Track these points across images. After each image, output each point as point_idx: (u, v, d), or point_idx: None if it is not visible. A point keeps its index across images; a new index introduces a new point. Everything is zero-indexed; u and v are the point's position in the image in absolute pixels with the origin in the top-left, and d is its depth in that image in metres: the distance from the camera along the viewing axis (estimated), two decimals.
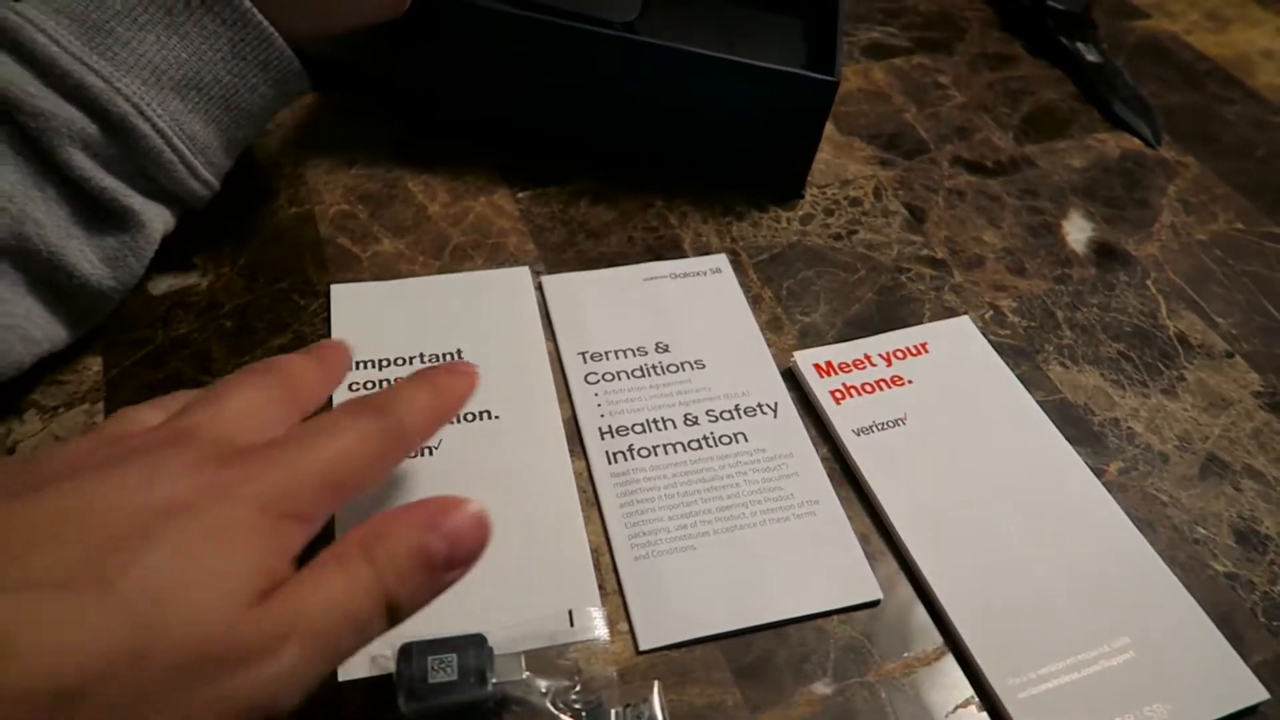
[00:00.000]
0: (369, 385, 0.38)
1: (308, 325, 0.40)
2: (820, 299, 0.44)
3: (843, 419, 0.38)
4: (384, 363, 0.38)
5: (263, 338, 0.39)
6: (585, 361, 0.40)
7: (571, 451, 0.36)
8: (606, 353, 0.40)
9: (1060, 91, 0.59)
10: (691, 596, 0.33)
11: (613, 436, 0.37)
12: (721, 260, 0.44)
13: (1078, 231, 0.49)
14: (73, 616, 0.19)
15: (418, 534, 0.24)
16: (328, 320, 0.40)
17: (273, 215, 0.44)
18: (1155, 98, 0.59)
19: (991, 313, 0.44)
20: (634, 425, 0.37)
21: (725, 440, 0.37)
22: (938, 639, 0.33)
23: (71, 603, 0.19)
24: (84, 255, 0.34)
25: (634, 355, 0.40)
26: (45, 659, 0.19)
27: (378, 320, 0.40)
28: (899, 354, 0.41)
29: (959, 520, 0.35)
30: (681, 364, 0.40)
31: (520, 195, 0.47)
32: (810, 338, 0.42)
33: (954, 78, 0.59)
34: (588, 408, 0.38)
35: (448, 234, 0.45)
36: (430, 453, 0.36)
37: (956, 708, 0.31)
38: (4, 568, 0.19)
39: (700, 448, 0.37)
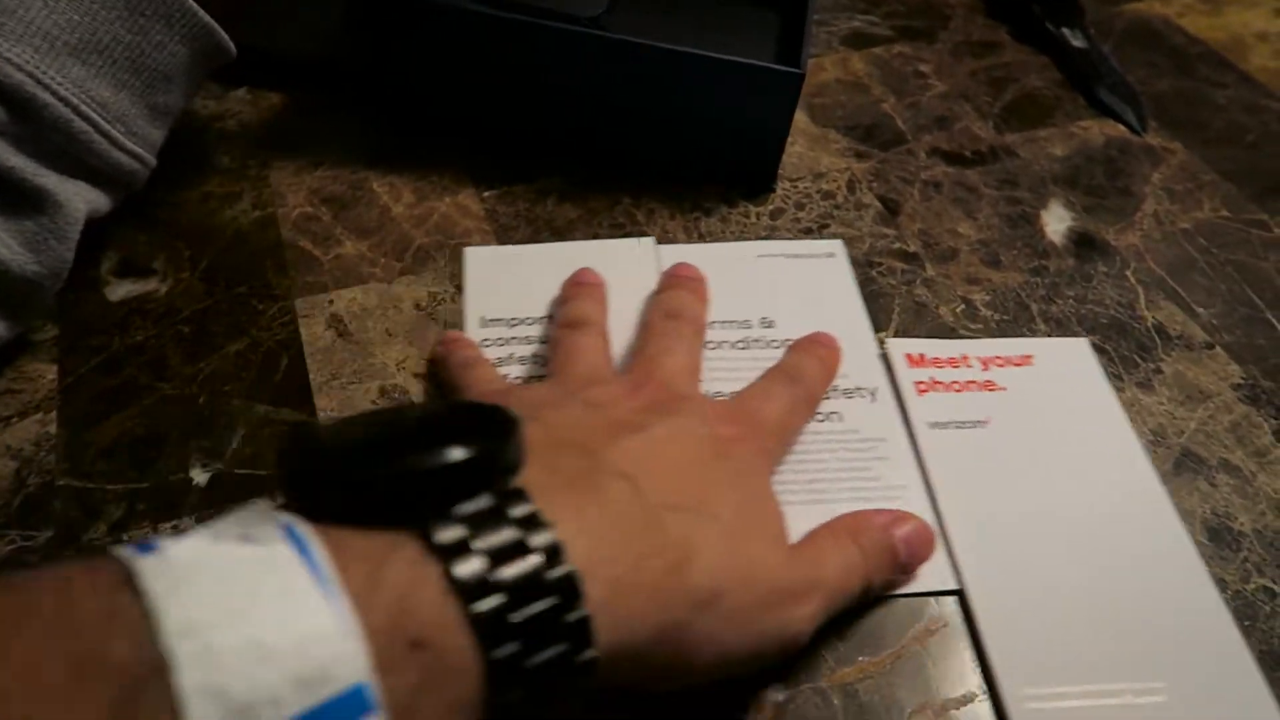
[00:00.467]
0: (500, 341, 0.40)
1: (265, 330, 0.40)
2: None
3: (922, 410, 0.38)
4: (514, 321, 0.40)
5: (220, 343, 0.39)
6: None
7: None
8: (711, 323, 0.40)
9: (1044, 79, 0.58)
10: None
11: None
12: (837, 245, 0.45)
13: (1056, 222, 0.48)
14: (715, 539, 0.26)
15: (890, 535, 0.31)
16: (286, 325, 0.40)
17: (235, 219, 0.44)
18: (1143, 83, 0.58)
19: (963, 306, 0.43)
20: (732, 394, 0.37)
21: (819, 417, 0.37)
22: (964, 635, 0.32)
23: (712, 527, 0.26)
24: (0, 241, 0.33)
25: (738, 327, 0.41)
26: (709, 569, 0.25)
27: (508, 282, 0.42)
28: (999, 361, 0.40)
29: (1013, 529, 0.34)
30: (785, 341, 0.40)
31: (486, 194, 0.47)
32: None
33: (935, 66, 0.58)
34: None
35: (411, 235, 0.44)
36: None
37: (961, 698, 0.30)
38: (663, 490, 0.26)
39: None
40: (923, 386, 0.39)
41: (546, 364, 0.38)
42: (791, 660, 0.30)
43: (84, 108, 0.34)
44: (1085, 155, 0.52)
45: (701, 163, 0.48)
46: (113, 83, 0.35)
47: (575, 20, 0.47)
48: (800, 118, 0.52)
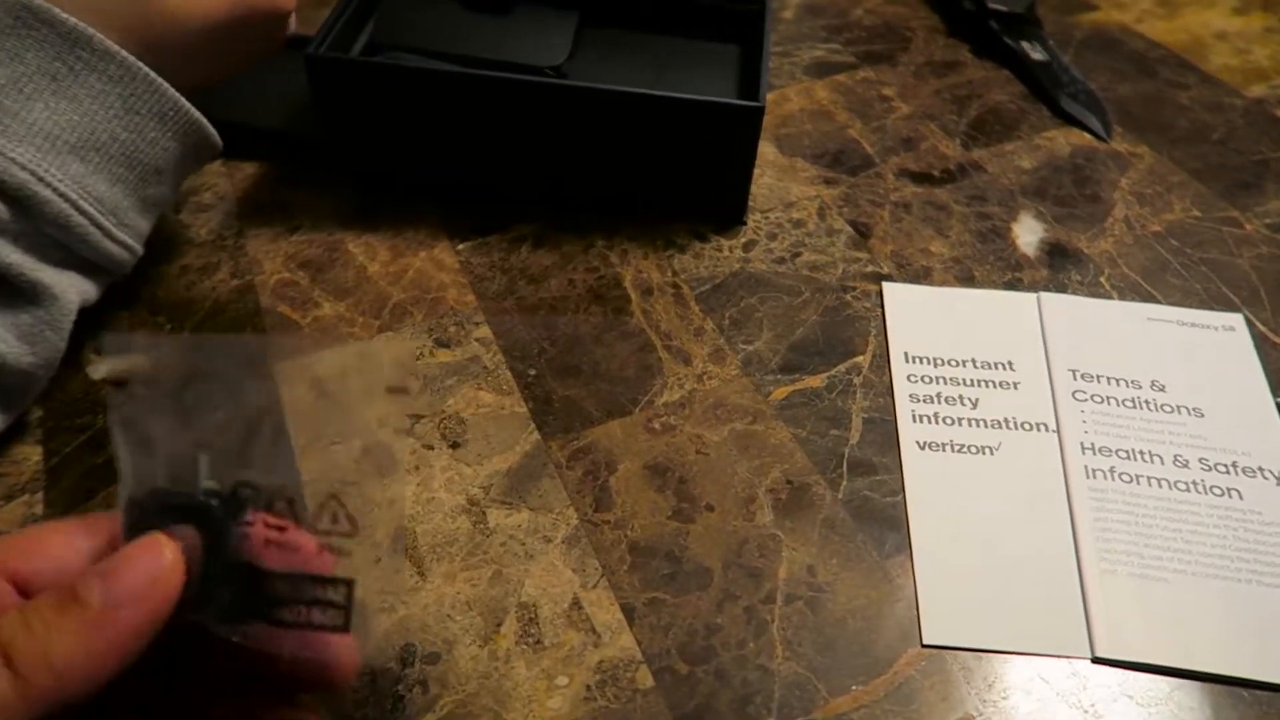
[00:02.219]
0: (925, 379, 0.41)
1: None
2: (763, 326, 0.43)
3: None
4: (938, 361, 0.42)
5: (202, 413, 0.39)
6: (1075, 379, 0.40)
7: None
8: (1099, 376, 0.41)
9: (1008, 93, 0.58)
10: (1159, 623, 0.33)
11: (1094, 453, 0.38)
12: (1237, 320, 0.44)
13: (1028, 234, 0.48)
14: None
15: None
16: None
17: (213, 289, 0.45)
18: (1106, 89, 0.58)
19: None
20: (1118, 450, 0.38)
21: (1217, 492, 0.37)
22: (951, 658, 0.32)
23: None
24: None
25: (1127, 386, 0.40)
26: None
27: (927, 322, 0.43)
28: None
29: None
30: (1178, 407, 0.40)
31: (461, 246, 0.47)
32: (753, 366, 0.41)
33: (899, 89, 0.58)
34: (1072, 421, 0.39)
35: (388, 292, 0.45)
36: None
37: None
38: None
39: (1188, 491, 0.37)
40: None
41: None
42: (784, 689, 0.30)
43: (82, 203, 0.35)
44: (1053, 166, 0.53)
45: (671, 200, 0.48)
46: (109, 177, 0.36)
47: (537, 70, 0.48)
48: (768, 149, 0.53)
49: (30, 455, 0.38)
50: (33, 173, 0.34)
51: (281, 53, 0.44)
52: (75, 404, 0.40)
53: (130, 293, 0.44)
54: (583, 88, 0.44)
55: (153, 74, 0.36)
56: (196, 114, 0.38)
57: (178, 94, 0.37)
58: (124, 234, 0.38)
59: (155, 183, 0.38)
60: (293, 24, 0.44)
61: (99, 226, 0.36)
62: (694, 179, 0.47)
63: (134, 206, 0.38)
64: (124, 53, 0.36)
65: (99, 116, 0.35)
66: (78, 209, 0.35)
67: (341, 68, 0.45)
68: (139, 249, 0.39)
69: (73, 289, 0.37)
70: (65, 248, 0.36)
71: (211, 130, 0.39)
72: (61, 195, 0.35)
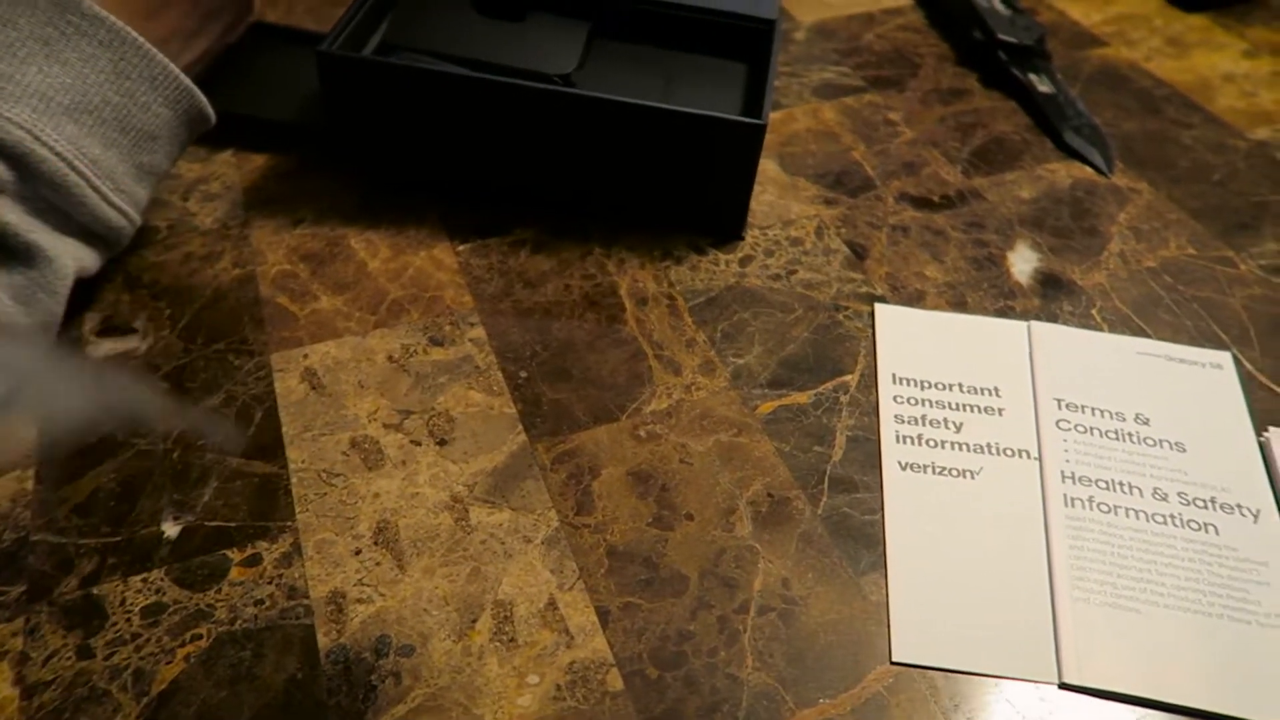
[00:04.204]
0: (911, 401, 0.41)
1: (240, 385, 0.41)
2: (754, 340, 0.44)
3: None
4: (925, 384, 0.42)
5: (196, 398, 0.40)
6: (1060, 408, 0.41)
7: None
8: (1084, 406, 0.41)
9: (1013, 123, 0.59)
10: (1129, 654, 0.33)
11: (1074, 482, 0.38)
12: (1225, 358, 0.44)
13: (1023, 263, 0.49)
14: None
15: None
16: (261, 379, 0.41)
17: (215, 278, 0.45)
18: (1111, 125, 0.59)
19: None
20: (1098, 480, 0.38)
21: (1194, 526, 0.37)
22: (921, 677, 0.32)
23: None
24: None
25: (1111, 417, 0.41)
26: None
27: (915, 344, 0.44)
28: None
29: None
30: (1160, 440, 0.40)
31: (461, 247, 0.48)
32: (742, 379, 0.42)
33: (905, 114, 0.59)
34: (1054, 449, 0.39)
35: (385, 289, 0.45)
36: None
37: None
38: None
39: (1165, 524, 0.37)
40: None
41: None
42: (752, 698, 0.31)
43: (78, 163, 0.36)
44: (1052, 197, 0.53)
45: (671, 212, 0.49)
46: (103, 140, 0.37)
47: (547, 78, 0.48)
48: (771, 167, 0.54)
49: (25, 431, 0.38)
50: (29, 131, 0.34)
51: (254, 37, 0.45)
52: None
53: (133, 278, 0.45)
54: (590, 97, 0.45)
55: (141, 39, 0.37)
56: (187, 80, 0.39)
57: (167, 60, 0.38)
58: (120, 199, 0.38)
59: (149, 149, 0.39)
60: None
61: (95, 189, 0.37)
62: (695, 192, 0.48)
63: (129, 173, 0.38)
64: (112, 18, 0.36)
65: (90, 79, 0.36)
66: (73, 168, 0.36)
67: (353, 66, 0.46)
68: (136, 217, 0.39)
69: (68, 254, 0.37)
70: (63, 212, 0.37)
71: (203, 98, 0.40)
72: (58, 154, 0.35)
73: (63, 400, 0.39)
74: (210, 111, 0.41)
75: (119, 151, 0.38)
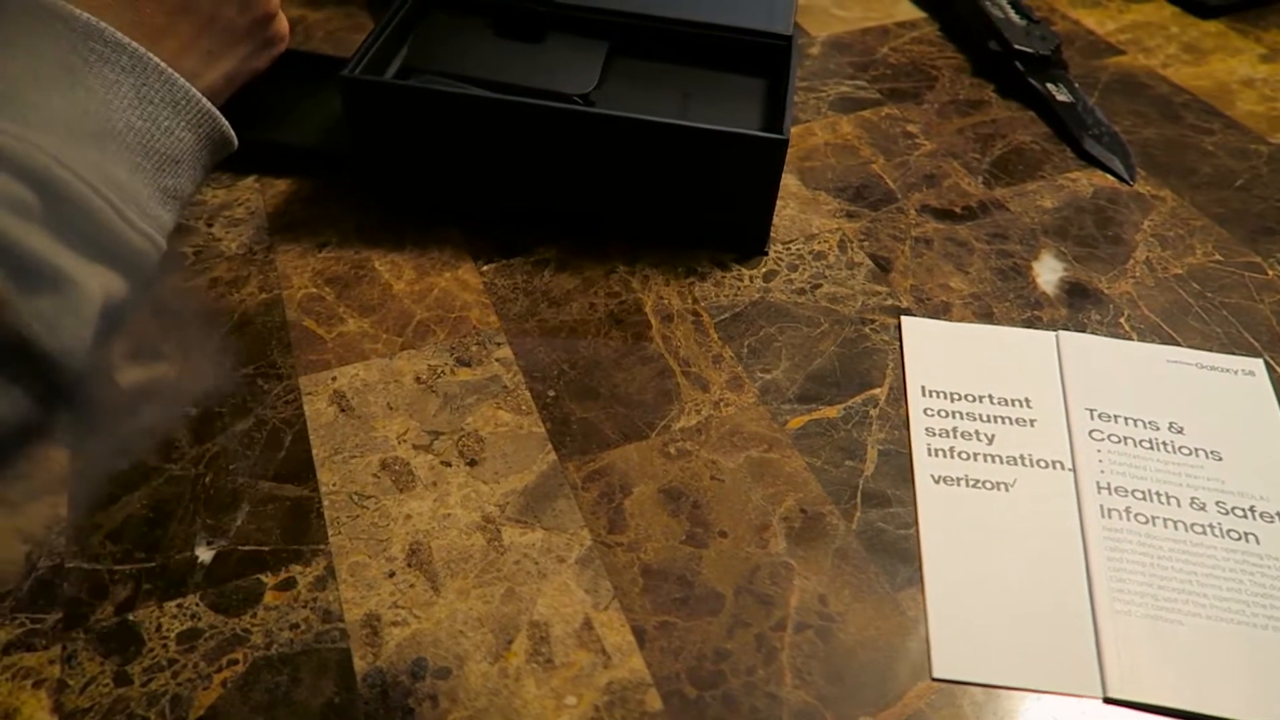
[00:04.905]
0: (942, 413, 0.41)
1: (270, 409, 0.41)
2: (781, 355, 0.44)
3: None
4: (955, 396, 0.42)
5: (226, 423, 0.40)
6: (1092, 418, 0.41)
7: None
8: (1116, 415, 0.41)
9: (1032, 133, 0.59)
10: (1173, 666, 0.33)
11: (1110, 493, 0.38)
12: (1257, 365, 0.43)
13: (1049, 273, 0.48)
14: None
15: None
16: (290, 402, 0.41)
17: (242, 302, 0.46)
18: (1130, 133, 0.59)
19: None
20: (1134, 490, 0.38)
21: (1233, 536, 0.37)
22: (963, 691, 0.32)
23: None
24: (19, 319, 0.35)
25: (1145, 426, 0.40)
26: None
27: (944, 357, 0.44)
28: None
29: None
30: (1195, 449, 0.40)
31: (485, 268, 0.48)
32: (770, 395, 0.42)
33: (923, 126, 0.59)
34: (1088, 460, 0.39)
35: (411, 310, 0.45)
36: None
37: None
38: None
39: (1204, 534, 0.37)
40: None
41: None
42: (792, 717, 0.30)
43: (102, 189, 0.36)
44: (1075, 206, 0.53)
45: (694, 229, 0.49)
46: (128, 165, 0.37)
47: (566, 98, 0.49)
48: (791, 181, 0.54)
49: (57, 457, 0.38)
50: (54, 157, 0.35)
51: (275, 64, 0.45)
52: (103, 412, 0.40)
53: (161, 304, 0.45)
54: (610, 116, 0.45)
55: (163, 64, 0.38)
56: (208, 104, 0.39)
57: (188, 84, 0.39)
58: (145, 224, 0.38)
59: (173, 173, 0.39)
60: (283, 27, 0.45)
61: (119, 213, 0.37)
62: (717, 208, 0.48)
63: (154, 196, 0.39)
64: (135, 44, 0.37)
65: (114, 105, 0.37)
66: (98, 194, 0.36)
67: (375, 90, 0.46)
68: (161, 242, 0.40)
69: (95, 280, 0.37)
70: (88, 236, 0.37)
71: (225, 123, 0.41)
72: (83, 180, 0.36)
73: (94, 426, 0.39)
74: (233, 135, 0.42)
75: (143, 176, 0.38)
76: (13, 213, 0.34)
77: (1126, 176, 0.55)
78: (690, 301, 0.46)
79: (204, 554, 0.35)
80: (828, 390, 0.42)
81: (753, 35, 0.54)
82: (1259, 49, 0.68)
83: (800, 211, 0.52)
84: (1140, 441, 0.40)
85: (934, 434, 0.40)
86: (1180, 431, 0.40)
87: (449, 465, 0.39)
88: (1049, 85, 0.61)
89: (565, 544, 0.36)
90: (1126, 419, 0.41)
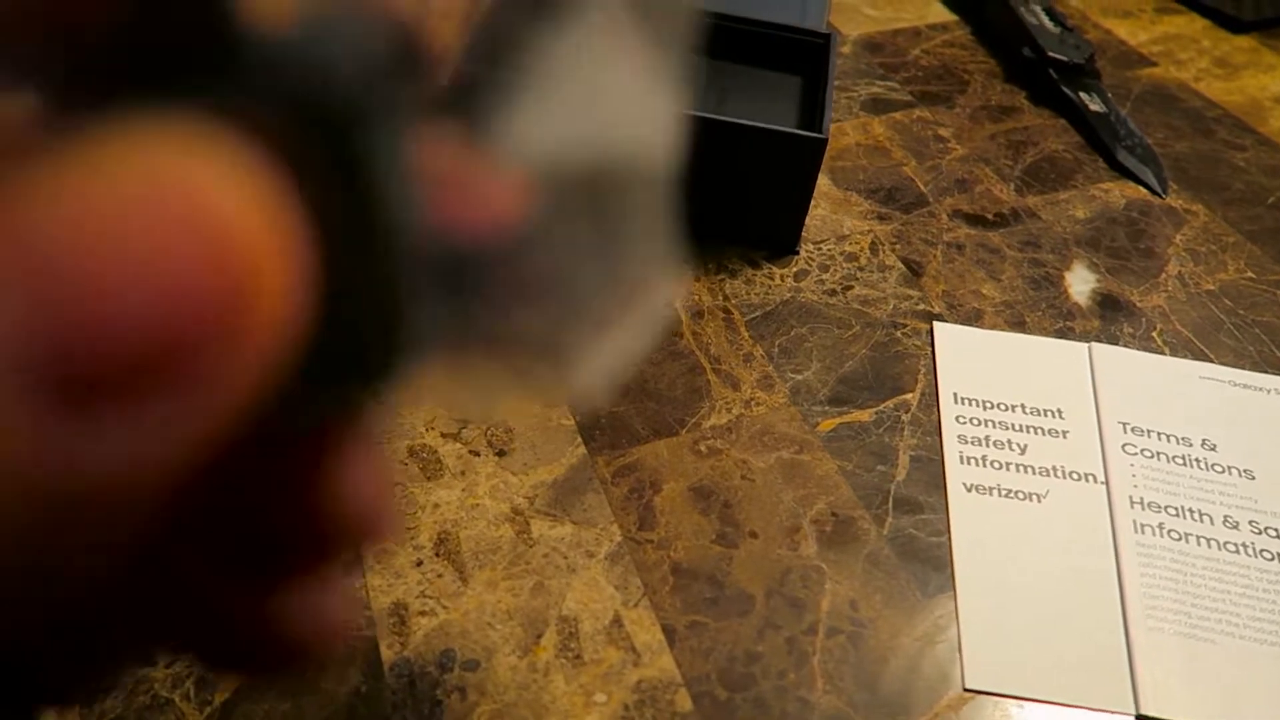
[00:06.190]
0: (974, 421, 0.41)
1: None
2: (812, 356, 0.43)
3: None
4: (987, 404, 0.41)
5: None
6: (1125, 432, 0.40)
7: None
8: (1149, 430, 0.40)
9: (1064, 142, 0.58)
10: (1205, 685, 0.32)
11: (1143, 509, 0.37)
12: None
13: (1081, 283, 0.48)
14: None
15: None
16: None
17: None
18: (1162, 146, 0.58)
19: None
20: (1167, 506, 0.38)
21: (1267, 556, 0.36)
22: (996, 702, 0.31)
23: None
24: None
25: (1178, 442, 0.40)
26: None
27: (976, 364, 0.43)
28: None
29: None
30: (1228, 467, 0.39)
31: None
32: (801, 395, 0.41)
33: (955, 130, 0.59)
34: (1121, 473, 0.38)
35: None
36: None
37: None
38: None
39: (1238, 553, 0.36)
40: None
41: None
42: None
43: None
44: (1107, 217, 0.53)
45: (726, 225, 0.48)
46: None
47: None
48: (823, 181, 0.53)
49: None
50: None
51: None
52: None
53: None
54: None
55: None
56: None
57: None
58: None
59: None
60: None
61: None
62: (751, 206, 0.47)
63: None
64: None
65: None
66: None
67: None
68: None
69: None
70: None
71: None
72: None
73: None
74: None
75: None
76: None
77: (1159, 189, 0.54)
78: (721, 299, 0.46)
79: None
80: (859, 393, 0.42)
81: (790, 32, 0.53)
82: None
83: (832, 212, 0.52)
84: (1173, 457, 0.40)
85: (966, 441, 0.40)
86: (1213, 449, 0.40)
87: (477, 455, 0.38)
88: (1082, 94, 0.60)
89: (595, 539, 0.36)
90: (1159, 434, 0.40)
